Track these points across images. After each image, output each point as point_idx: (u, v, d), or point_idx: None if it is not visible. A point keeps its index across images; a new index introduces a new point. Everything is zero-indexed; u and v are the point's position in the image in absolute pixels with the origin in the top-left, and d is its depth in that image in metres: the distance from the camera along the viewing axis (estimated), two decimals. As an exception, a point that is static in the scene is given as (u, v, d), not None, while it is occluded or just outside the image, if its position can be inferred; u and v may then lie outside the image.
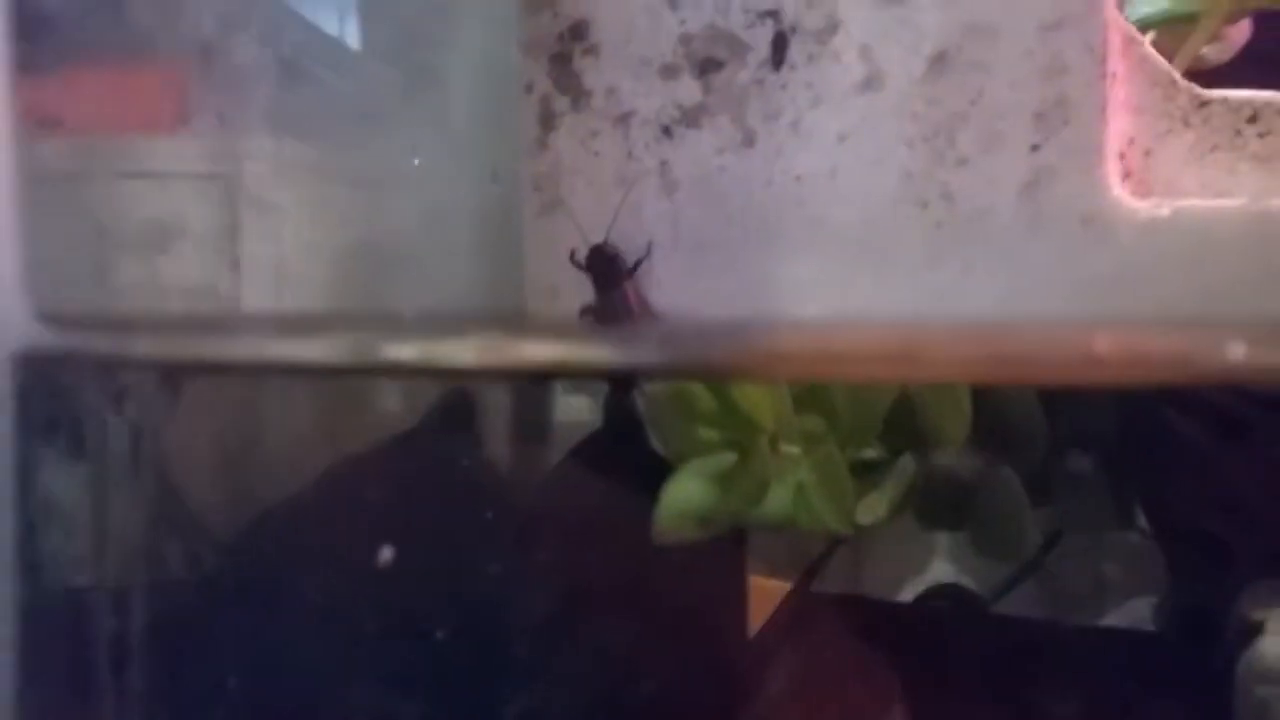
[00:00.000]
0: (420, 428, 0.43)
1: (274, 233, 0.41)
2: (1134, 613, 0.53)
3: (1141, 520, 0.41)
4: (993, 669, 0.38)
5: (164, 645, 0.38)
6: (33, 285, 0.31)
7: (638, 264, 0.36)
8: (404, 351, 0.31)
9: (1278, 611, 0.29)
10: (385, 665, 0.40)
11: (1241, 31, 0.43)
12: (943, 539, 0.61)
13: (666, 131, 0.37)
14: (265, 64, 0.42)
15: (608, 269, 0.36)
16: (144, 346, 0.33)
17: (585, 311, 0.36)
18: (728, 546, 0.45)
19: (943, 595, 0.54)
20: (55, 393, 0.33)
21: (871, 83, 0.36)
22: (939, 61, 0.36)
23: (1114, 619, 0.53)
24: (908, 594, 0.58)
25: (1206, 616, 0.35)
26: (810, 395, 0.33)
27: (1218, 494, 0.37)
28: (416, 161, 0.39)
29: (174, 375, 0.36)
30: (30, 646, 0.31)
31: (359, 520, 0.40)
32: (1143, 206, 0.36)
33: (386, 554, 0.38)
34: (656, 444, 0.35)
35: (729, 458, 0.34)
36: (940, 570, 0.62)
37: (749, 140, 0.37)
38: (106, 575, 0.37)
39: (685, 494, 0.34)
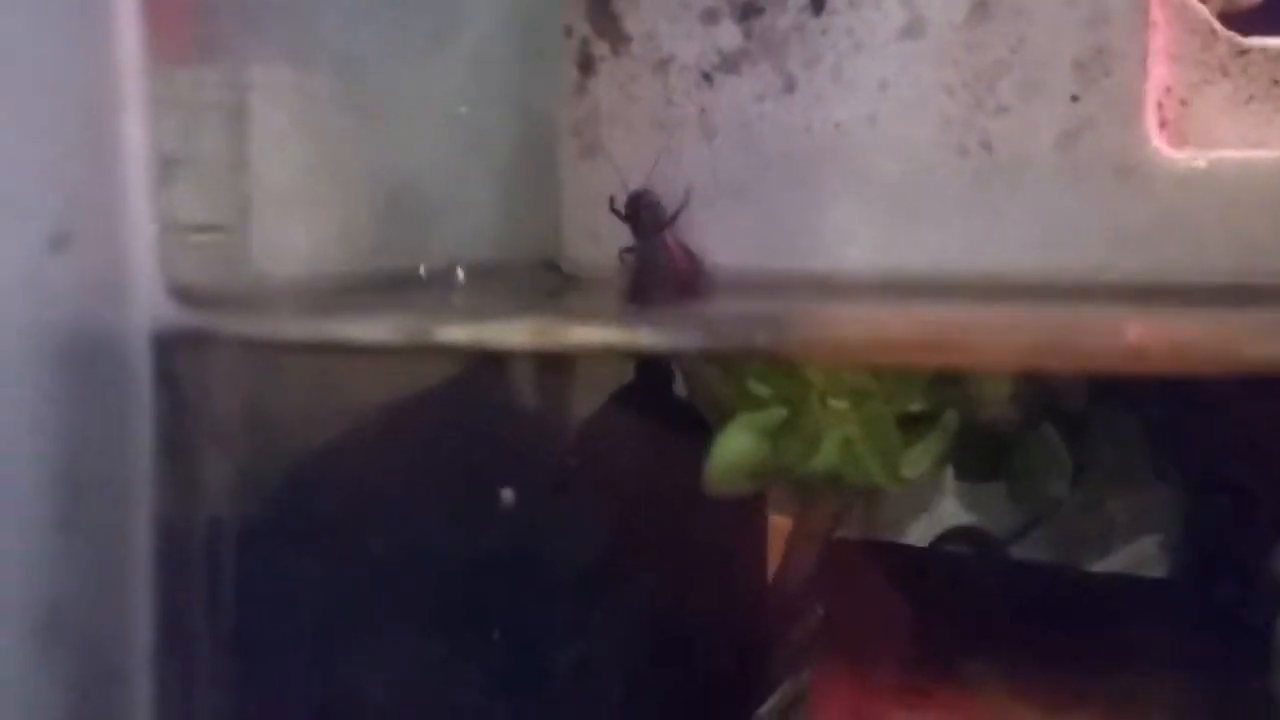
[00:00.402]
0: (454, 381, 0.44)
1: (293, 169, 0.41)
2: (1141, 556, 0.53)
3: (1174, 474, 0.42)
4: (1021, 614, 0.39)
5: (275, 610, 0.39)
6: (165, 260, 0.31)
7: (677, 212, 0.36)
8: (456, 334, 0.32)
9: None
10: (430, 617, 0.40)
11: (1275, -27, 0.43)
12: (950, 480, 0.62)
13: (706, 77, 0.37)
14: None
15: (647, 216, 0.36)
16: (236, 324, 0.34)
17: (626, 252, 0.36)
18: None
19: (961, 538, 0.54)
20: (188, 372, 0.33)
21: (912, 29, 0.36)
22: (980, 8, 0.36)
23: (1120, 563, 0.53)
24: (918, 534, 0.59)
25: (1235, 568, 0.36)
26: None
27: (1248, 446, 0.38)
28: (464, 110, 0.39)
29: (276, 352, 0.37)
30: (166, 626, 0.32)
31: (396, 474, 0.41)
32: (1180, 158, 0.36)
33: (508, 495, 0.39)
34: (697, 398, 0.36)
35: (779, 413, 0.34)
36: (948, 511, 0.63)
37: (789, 86, 0.37)
38: (238, 556, 0.38)
39: (736, 448, 0.34)
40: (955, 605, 0.41)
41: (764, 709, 0.46)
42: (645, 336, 0.34)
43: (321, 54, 0.42)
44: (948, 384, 0.34)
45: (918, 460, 0.33)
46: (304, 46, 0.41)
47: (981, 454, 0.37)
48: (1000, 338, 0.31)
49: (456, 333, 0.32)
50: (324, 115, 0.41)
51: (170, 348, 0.31)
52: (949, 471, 0.60)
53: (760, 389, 0.33)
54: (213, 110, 0.40)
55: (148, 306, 0.31)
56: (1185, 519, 0.44)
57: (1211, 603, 0.37)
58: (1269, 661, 0.29)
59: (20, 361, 0.30)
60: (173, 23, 0.41)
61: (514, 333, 0.33)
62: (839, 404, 0.33)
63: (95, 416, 0.31)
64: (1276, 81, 0.38)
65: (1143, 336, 0.31)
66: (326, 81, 0.42)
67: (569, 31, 0.38)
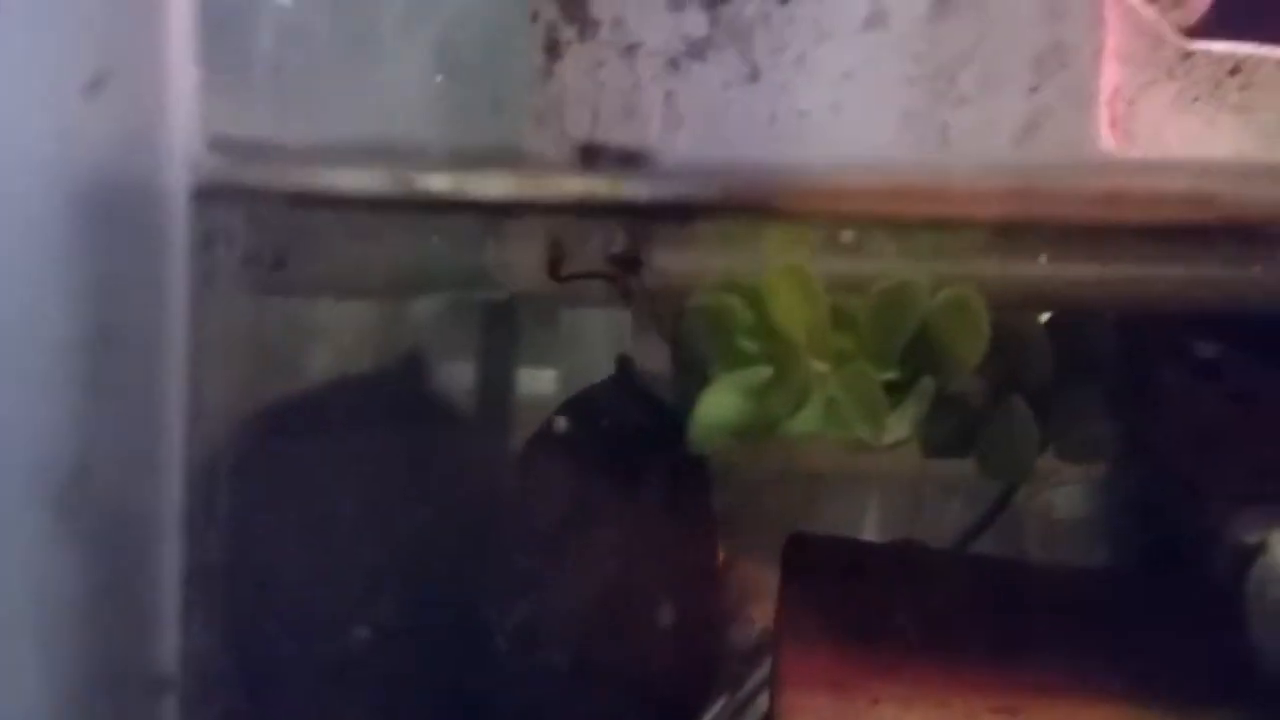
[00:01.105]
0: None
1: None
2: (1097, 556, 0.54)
3: (1130, 454, 0.42)
4: (975, 603, 0.40)
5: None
6: (207, 110, 0.30)
7: None
8: (438, 182, 0.31)
9: (1274, 531, 0.30)
10: (386, 580, 0.40)
11: (1221, -19, 0.44)
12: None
13: (673, 64, 0.37)
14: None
15: None
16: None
17: None
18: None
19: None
20: (224, 225, 0.32)
21: (875, 20, 0.37)
22: (942, 1, 0.37)
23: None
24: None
25: (1185, 550, 0.37)
26: (839, 316, 0.34)
27: (1197, 432, 0.39)
28: (439, 78, 0.39)
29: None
30: (195, 480, 0.31)
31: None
32: (1131, 157, 0.37)
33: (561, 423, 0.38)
34: (690, 359, 0.35)
35: (764, 370, 0.34)
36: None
37: (754, 75, 0.37)
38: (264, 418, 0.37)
39: (721, 405, 0.34)
40: (910, 593, 0.41)
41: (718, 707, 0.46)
42: (631, 187, 0.34)
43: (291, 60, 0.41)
44: (922, 350, 0.34)
45: (896, 424, 0.34)
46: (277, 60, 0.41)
47: (953, 427, 0.37)
48: (979, 183, 0.32)
49: (438, 181, 0.31)
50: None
51: (208, 201, 0.30)
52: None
53: (747, 345, 0.34)
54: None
55: (186, 157, 0.30)
56: (1134, 501, 0.45)
57: (1162, 586, 0.38)
58: (1239, 625, 0.30)
59: (51, 212, 0.28)
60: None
61: (500, 183, 0.32)
62: (821, 365, 0.34)
63: (128, 271, 0.29)
64: (1220, 84, 0.40)
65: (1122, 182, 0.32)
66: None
67: (535, 16, 0.38)
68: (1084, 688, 0.35)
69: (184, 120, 0.30)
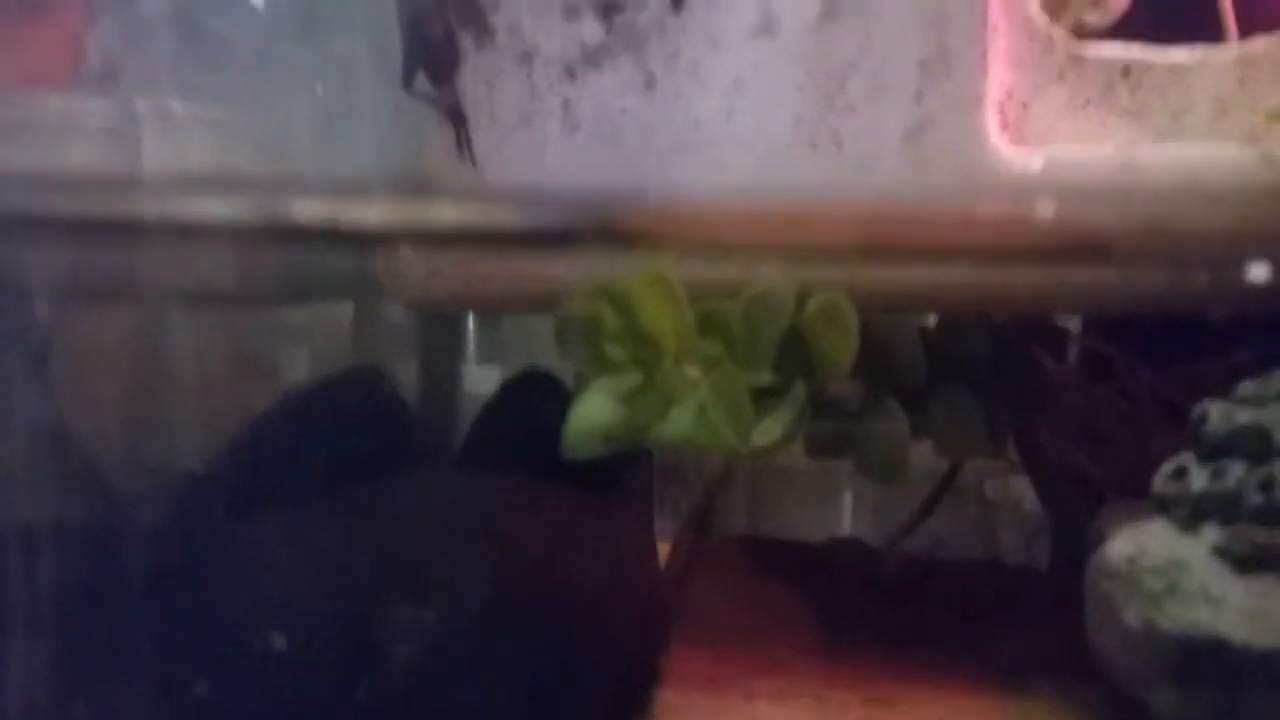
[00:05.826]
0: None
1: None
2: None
3: (1012, 451, 0.44)
4: (877, 596, 0.41)
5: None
6: None
7: None
8: (310, 210, 0.32)
9: (1125, 525, 0.31)
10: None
11: (1122, -1, 0.45)
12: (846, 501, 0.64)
13: (569, 72, 0.38)
14: (162, 16, 0.42)
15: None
16: (56, 204, 0.33)
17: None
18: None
19: (843, 546, 0.56)
20: None
21: (766, 28, 0.38)
22: (830, 9, 0.37)
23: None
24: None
25: (1074, 543, 0.38)
26: (709, 321, 0.35)
27: (1081, 427, 0.40)
28: (319, 90, 0.39)
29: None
30: None
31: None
32: (1017, 155, 0.38)
33: None
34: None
35: (634, 377, 0.35)
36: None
37: (650, 83, 0.38)
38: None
39: (592, 411, 0.35)
40: (818, 589, 0.42)
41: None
42: (504, 215, 0.34)
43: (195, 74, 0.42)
44: (795, 355, 0.35)
45: (769, 429, 0.35)
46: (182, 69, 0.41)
47: (831, 430, 0.38)
48: (843, 211, 0.32)
49: (310, 209, 0.31)
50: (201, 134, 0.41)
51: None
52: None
53: (616, 352, 0.34)
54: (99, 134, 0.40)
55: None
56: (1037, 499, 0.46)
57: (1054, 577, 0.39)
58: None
59: None
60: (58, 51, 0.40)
61: (370, 211, 0.32)
62: (692, 370, 0.35)
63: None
64: (1111, 86, 0.41)
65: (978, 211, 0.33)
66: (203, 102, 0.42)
67: (435, 25, 0.39)
68: (959, 679, 0.36)
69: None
